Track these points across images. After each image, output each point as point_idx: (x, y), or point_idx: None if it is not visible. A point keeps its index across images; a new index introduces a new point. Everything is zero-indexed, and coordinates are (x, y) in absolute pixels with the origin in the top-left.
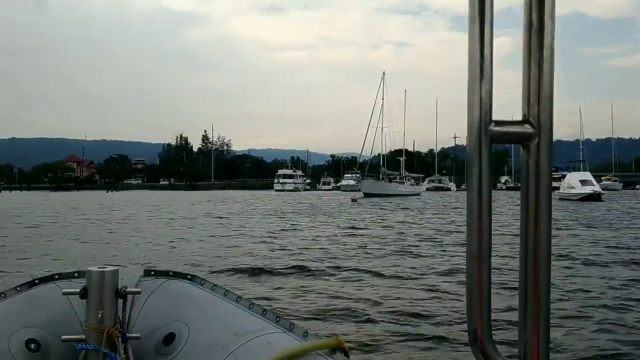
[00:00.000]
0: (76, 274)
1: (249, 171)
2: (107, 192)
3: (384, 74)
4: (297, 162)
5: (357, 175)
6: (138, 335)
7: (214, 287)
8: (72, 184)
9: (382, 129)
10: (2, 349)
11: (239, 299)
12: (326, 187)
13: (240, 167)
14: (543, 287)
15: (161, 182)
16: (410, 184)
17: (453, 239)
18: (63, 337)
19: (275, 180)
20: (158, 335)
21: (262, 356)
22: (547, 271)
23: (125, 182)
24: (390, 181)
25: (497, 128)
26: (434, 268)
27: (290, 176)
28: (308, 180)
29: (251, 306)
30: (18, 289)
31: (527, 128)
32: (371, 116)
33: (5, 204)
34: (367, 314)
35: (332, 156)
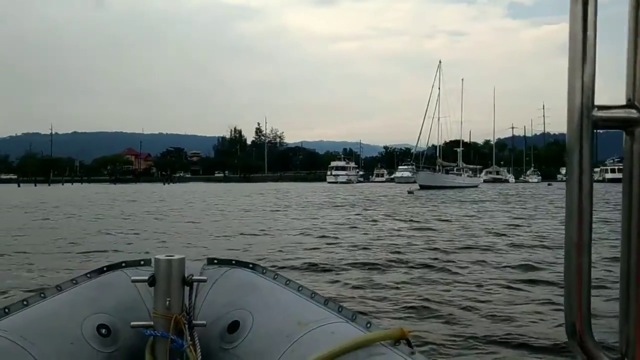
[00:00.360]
0: (142, 262)
1: (302, 163)
2: (164, 184)
3: (440, 62)
4: (349, 153)
5: (412, 166)
6: (204, 322)
7: (276, 276)
8: (130, 177)
9: (438, 119)
10: (76, 334)
11: (300, 288)
12: (379, 178)
13: (292, 159)
14: None
15: (216, 175)
16: (467, 176)
17: (524, 234)
18: (132, 323)
19: (328, 172)
20: (222, 323)
21: (325, 346)
22: None
23: (177, 174)
24: (447, 172)
25: (599, 113)
26: (510, 265)
27: (343, 168)
28: (361, 172)
29: (313, 295)
30: (88, 275)
31: (633, 113)
32: (427, 106)
33: (67, 195)
34: (438, 313)
35: (385, 147)
